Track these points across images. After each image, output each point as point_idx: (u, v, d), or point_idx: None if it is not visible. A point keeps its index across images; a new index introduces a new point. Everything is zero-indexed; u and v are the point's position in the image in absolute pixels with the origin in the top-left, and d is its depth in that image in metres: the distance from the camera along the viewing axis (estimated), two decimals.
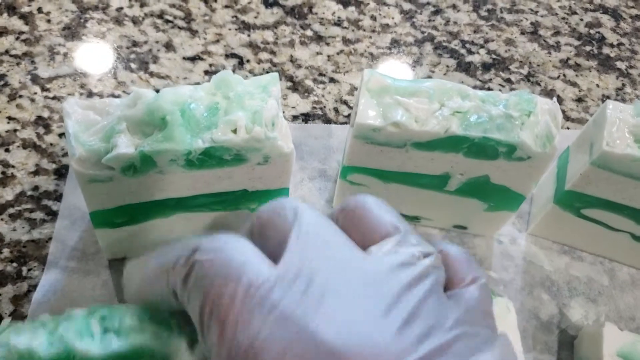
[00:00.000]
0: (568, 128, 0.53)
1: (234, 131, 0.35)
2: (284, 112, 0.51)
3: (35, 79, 0.50)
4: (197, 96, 0.36)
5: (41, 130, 0.48)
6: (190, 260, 0.24)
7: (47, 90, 0.50)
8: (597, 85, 0.56)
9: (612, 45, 0.59)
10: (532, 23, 0.59)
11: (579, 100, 0.55)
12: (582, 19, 0.61)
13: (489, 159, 0.39)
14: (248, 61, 0.53)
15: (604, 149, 0.39)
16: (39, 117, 0.48)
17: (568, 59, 0.57)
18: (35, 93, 0.49)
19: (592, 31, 0.60)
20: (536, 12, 0.60)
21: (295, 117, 0.51)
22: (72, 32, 0.52)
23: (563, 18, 0.60)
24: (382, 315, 0.21)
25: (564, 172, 0.44)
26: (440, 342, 0.21)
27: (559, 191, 0.44)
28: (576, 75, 0.56)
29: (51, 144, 0.47)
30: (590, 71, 0.57)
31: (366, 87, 0.38)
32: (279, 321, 0.21)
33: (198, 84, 0.40)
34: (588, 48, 0.59)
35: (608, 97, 0.55)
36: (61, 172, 0.46)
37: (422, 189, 0.43)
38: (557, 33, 0.59)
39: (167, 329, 0.28)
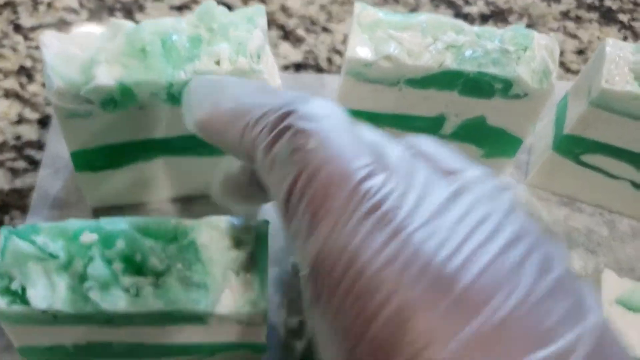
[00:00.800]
0: (568, 80, 0.51)
1: (217, 63, 0.33)
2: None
3: (17, 29, 0.49)
4: (180, 27, 0.34)
5: (24, 80, 0.46)
6: (283, 124, 0.21)
7: (30, 39, 0.48)
8: (598, 38, 0.55)
9: None
10: None
11: (580, 52, 0.53)
12: None
13: (484, 97, 0.37)
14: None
15: (603, 87, 0.37)
16: (22, 67, 0.47)
17: (568, 11, 0.56)
18: (18, 43, 0.48)
19: None
20: None
21: (286, 67, 0.49)
22: None
23: None
24: (489, 241, 0.18)
25: (563, 117, 0.42)
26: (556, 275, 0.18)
27: (558, 137, 0.42)
28: (577, 28, 0.55)
29: (34, 94, 0.46)
30: (591, 23, 0.55)
31: (357, 21, 0.37)
32: (385, 228, 0.18)
33: None
34: (589, 0, 0.57)
35: None
36: (44, 122, 0.45)
37: (416, 133, 0.41)
38: None
39: None
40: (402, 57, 0.36)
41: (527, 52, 0.36)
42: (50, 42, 0.34)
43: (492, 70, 0.36)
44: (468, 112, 0.39)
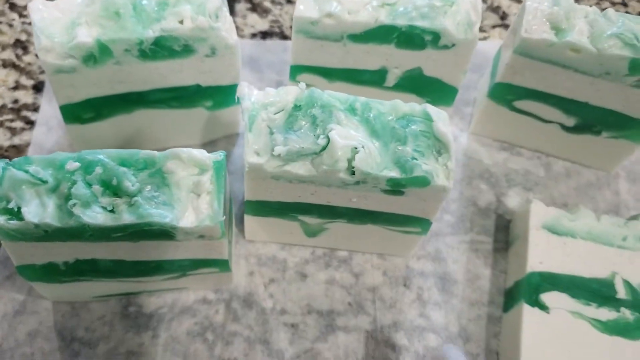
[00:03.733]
0: None
1: (181, 22, 0.39)
2: (243, 30, 0.55)
3: (12, 7, 0.54)
4: None
5: (20, 51, 0.52)
6: None
7: (25, 16, 0.54)
8: None
9: None
10: None
11: None
12: None
13: (418, 48, 0.43)
14: None
15: (522, 36, 0.42)
16: (18, 40, 0.53)
17: None
18: (14, 19, 0.54)
19: None
20: None
21: (254, 35, 0.55)
22: None
23: None
24: None
25: (497, 68, 0.48)
26: None
27: (491, 85, 0.48)
28: None
29: (29, 63, 0.52)
30: None
31: None
32: None
33: None
34: None
35: None
36: (39, 88, 0.51)
37: (364, 87, 0.47)
38: None
39: None
40: (342, 14, 0.41)
41: (453, 7, 0.42)
42: (38, 7, 0.39)
43: (421, 23, 0.41)
44: (406, 64, 0.44)
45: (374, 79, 0.46)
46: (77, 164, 0.34)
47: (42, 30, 0.38)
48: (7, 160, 0.34)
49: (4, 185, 0.33)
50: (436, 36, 0.42)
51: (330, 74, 0.46)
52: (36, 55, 0.52)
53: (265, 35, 0.55)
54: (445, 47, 0.42)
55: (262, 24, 0.55)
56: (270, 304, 0.44)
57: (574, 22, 0.43)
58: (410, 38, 0.42)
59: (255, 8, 0.56)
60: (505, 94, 0.47)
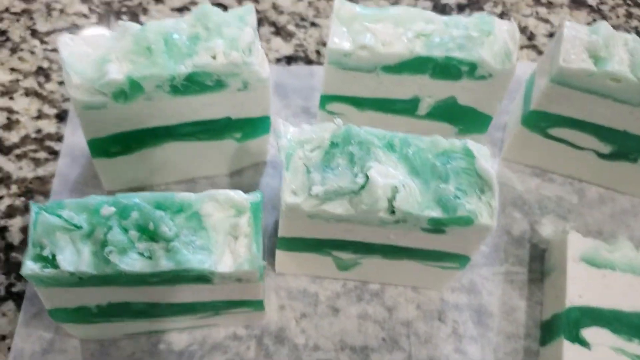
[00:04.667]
0: None
1: (214, 57, 0.38)
2: (267, 55, 0.54)
3: (34, 34, 0.53)
4: (180, 27, 0.39)
5: (42, 79, 0.51)
6: None
7: (46, 43, 0.53)
8: (569, 22, 0.59)
9: None
10: None
11: (551, 35, 0.58)
12: None
13: (453, 79, 0.42)
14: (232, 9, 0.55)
15: (560, 65, 0.41)
16: (40, 68, 0.52)
17: None
18: (35, 46, 0.53)
19: None
20: None
21: (278, 60, 0.54)
22: None
23: None
24: None
25: (530, 94, 0.47)
26: None
27: (525, 113, 0.47)
28: (548, 13, 0.59)
29: (52, 92, 0.51)
30: (562, 8, 0.59)
31: (337, 15, 0.41)
32: None
33: None
34: None
35: None
36: (62, 116, 0.50)
37: (395, 115, 0.46)
38: None
39: None
40: (376, 46, 0.40)
41: (490, 37, 0.41)
42: (67, 43, 0.38)
43: (457, 54, 0.40)
44: (440, 94, 0.43)
45: (406, 107, 0.45)
46: (112, 209, 0.33)
47: (72, 67, 0.37)
48: (40, 204, 0.33)
49: (38, 230, 0.33)
50: (473, 67, 0.41)
51: (361, 103, 0.45)
52: (59, 83, 0.51)
53: (289, 59, 0.54)
54: (482, 77, 0.41)
55: (287, 49, 0.54)
56: (303, 339, 0.43)
57: (613, 50, 0.42)
58: (446, 69, 0.41)
59: (279, 32, 0.55)
60: (540, 121, 0.46)
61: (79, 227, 0.33)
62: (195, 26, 0.39)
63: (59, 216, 0.33)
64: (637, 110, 0.43)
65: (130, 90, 0.38)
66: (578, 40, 0.42)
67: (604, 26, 0.42)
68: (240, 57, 0.38)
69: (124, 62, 0.38)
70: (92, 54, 0.38)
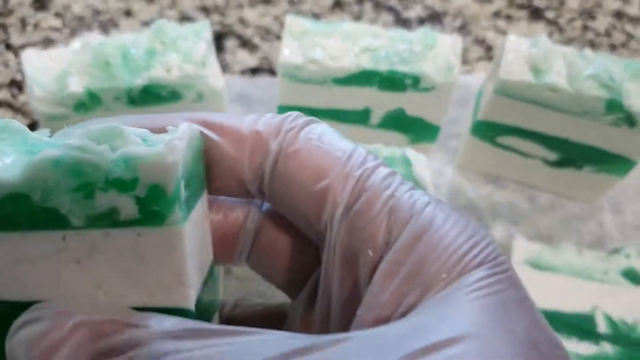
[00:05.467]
0: None
1: (168, 70, 0.40)
2: (232, 66, 0.56)
3: (9, 47, 0.56)
4: (138, 42, 0.41)
5: (15, 91, 0.54)
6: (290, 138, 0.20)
7: (20, 56, 0.55)
8: (526, 34, 0.61)
9: None
10: None
11: None
12: None
13: (399, 91, 0.44)
14: None
15: (501, 77, 0.43)
16: (13, 80, 0.54)
17: (500, 10, 0.62)
18: (9, 59, 0.55)
19: None
20: None
21: (243, 72, 0.56)
22: (41, 4, 0.58)
23: None
24: None
25: (479, 104, 0.49)
26: None
27: (474, 122, 0.49)
28: (507, 25, 0.61)
29: (24, 103, 0.53)
30: (520, 21, 0.62)
31: (289, 30, 0.44)
32: None
33: None
34: (519, 0, 0.63)
35: None
36: (33, 127, 0.52)
37: (350, 125, 0.48)
38: None
39: None
40: (325, 60, 0.42)
41: (433, 50, 0.43)
42: (31, 57, 0.41)
43: (401, 68, 0.42)
44: (388, 105, 0.45)
45: (358, 118, 0.47)
46: None
47: (35, 80, 0.40)
48: None
49: None
50: (416, 79, 0.43)
51: (316, 113, 0.47)
52: None
53: (254, 71, 0.56)
54: (426, 89, 0.44)
55: (252, 60, 0.57)
56: None
57: (552, 62, 0.44)
58: (391, 81, 0.43)
59: (245, 44, 0.57)
60: (487, 131, 0.48)
61: None
62: (153, 40, 0.42)
63: None
64: (576, 119, 0.45)
65: (89, 102, 0.40)
66: (519, 53, 0.44)
67: (543, 40, 0.45)
68: (193, 70, 0.40)
69: (84, 76, 0.40)
70: (54, 67, 0.40)
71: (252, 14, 0.59)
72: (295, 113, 0.21)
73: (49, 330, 0.16)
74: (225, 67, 0.56)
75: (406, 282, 0.18)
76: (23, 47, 0.56)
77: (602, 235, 0.51)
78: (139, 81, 0.40)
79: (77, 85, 0.39)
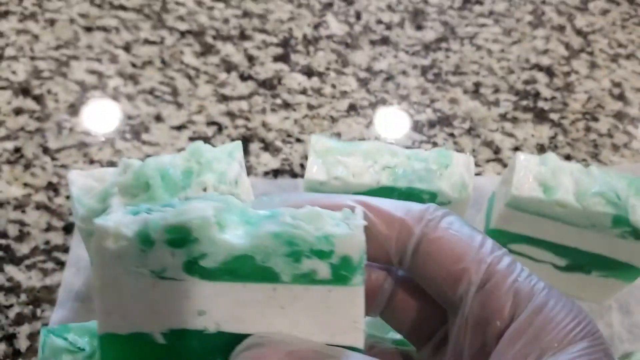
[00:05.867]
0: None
1: (205, 190, 0.43)
2: (256, 168, 0.60)
3: (46, 151, 0.59)
4: (175, 163, 0.44)
5: (52, 193, 0.57)
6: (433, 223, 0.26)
7: (56, 159, 0.59)
8: (532, 135, 0.64)
9: (546, 99, 0.68)
10: (474, 83, 0.68)
11: (516, 149, 0.63)
12: (519, 77, 0.69)
13: None
14: (226, 127, 0.62)
15: (512, 193, 0.47)
16: (50, 183, 0.57)
17: (506, 113, 0.66)
18: (46, 162, 0.59)
19: (528, 87, 0.69)
20: (478, 73, 0.69)
21: (266, 173, 0.59)
22: (76, 109, 0.62)
23: (502, 77, 0.69)
24: None
25: (490, 213, 0.52)
26: None
27: (486, 230, 0.52)
28: (513, 127, 0.65)
29: (60, 205, 0.56)
30: (526, 123, 0.65)
31: (314, 149, 0.47)
32: None
33: (183, 149, 0.48)
34: (524, 102, 0.67)
35: (542, 145, 0.64)
36: (69, 229, 0.55)
37: None
38: (496, 91, 0.68)
39: None
40: (347, 177, 0.45)
41: (448, 169, 0.46)
42: (76, 178, 0.44)
43: (419, 185, 0.45)
44: None
45: None
46: None
47: (79, 201, 0.43)
48: (48, 328, 0.38)
49: (46, 352, 0.37)
50: (433, 195, 0.46)
51: None
52: (66, 197, 0.56)
53: (276, 172, 0.59)
54: (442, 204, 0.46)
55: (274, 163, 0.60)
56: None
57: (560, 179, 0.47)
58: (409, 197, 0.46)
59: (267, 147, 0.61)
60: (500, 238, 0.51)
61: (82, 349, 0.37)
62: (189, 161, 0.45)
63: (65, 339, 0.37)
64: (584, 232, 0.48)
65: None
66: (529, 170, 0.47)
67: (552, 157, 0.48)
68: (227, 190, 0.43)
69: (125, 196, 0.43)
70: (97, 187, 0.44)
71: (273, 118, 0.63)
72: (434, 205, 0.27)
73: (268, 354, 0.22)
74: (249, 169, 0.59)
75: (526, 347, 0.23)
76: (59, 150, 0.59)
77: (611, 336, 0.53)
78: (177, 201, 0.43)
79: (118, 205, 0.42)
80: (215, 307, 0.23)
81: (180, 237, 0.22)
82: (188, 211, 0.22)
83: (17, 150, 0.59)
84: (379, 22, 0.75)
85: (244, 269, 0.22)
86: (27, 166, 0.58)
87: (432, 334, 0.27)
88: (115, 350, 0.24)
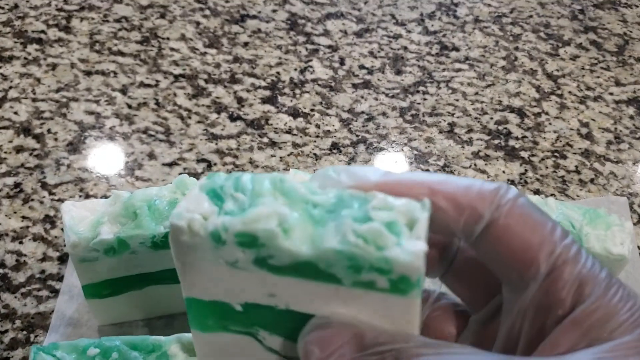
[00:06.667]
0: None
1: None
2: None
3: (44, 186, 0.63)
4: (162, 194, 0.48)
5: (48, 226, 0.60)
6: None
7: (54, 194, 0.62)
8: (503, 172, 0.68)
9: (517, 138, 0.72)
10: (449, 123, 0.72)
11: None
12: (492, 118, 0.74)
13: None
14: (215, 164, 0.66)
15: None
16: (47, 216, 0.61)
17: (479, 151, 0.70)
18: (44, 197, 0.62)
19: (500, 127, 0.73)
20: (453, 114, 0.73)
21: None
22: (74, 147, 0.66)
23: (476, 118, 0.73)
24: None
25: None
26: None
27: None
28: (485, 164, 0.69)
29: (56, 237, 0.60)
30: (497, 160, 0.69)
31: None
32: None
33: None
34: (496, 141, 0.71)
35: (512, 181, 0.67)
36: (63, 259, 0.58)
37: None
38: (470, 130, 0.72)
39: None
40: None
41: None
42: (69, 208, 0.48)
43: None
44: None
45: None
46: (97, 350, 0.41)
47: (71, 229, 0.46)
48: (38, 345, 0.41)
49: None
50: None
51: None
52: (62, 229, 0.60)
53: None
54: None
55: None
56: None
57: None
58: None
59: None
60: None
61: None
62: (175, 192, 0.49)
63: (54, 356, 0.40)
64: None
65: (118, 247, 0.46)
66: None
67: None
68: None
69: (115, 224, 0.47)
70: (89, 217, 0.47)
71: (260, 156, 0.67)
72: (505, 185, 0.26)
73: (336, 334, 0.24)
74: None
75: (580, 336, 0.24)
76: (56, 185, 0.63)
77: None
78: (162, 229, 0.46)
79: (108, 233, 0.46)
80: (284, 293, 0.25)
81: (248, 240, 0.23)
82: (255, 219, 0.23)
83: (17, 185, 0.63)
84: (362, 67, 0.79)
85: (308, 270, 0.24)
86: (26, 200, 0.62)
87: (488, 301, 0.29)
88: (198, 310, 0.27)
